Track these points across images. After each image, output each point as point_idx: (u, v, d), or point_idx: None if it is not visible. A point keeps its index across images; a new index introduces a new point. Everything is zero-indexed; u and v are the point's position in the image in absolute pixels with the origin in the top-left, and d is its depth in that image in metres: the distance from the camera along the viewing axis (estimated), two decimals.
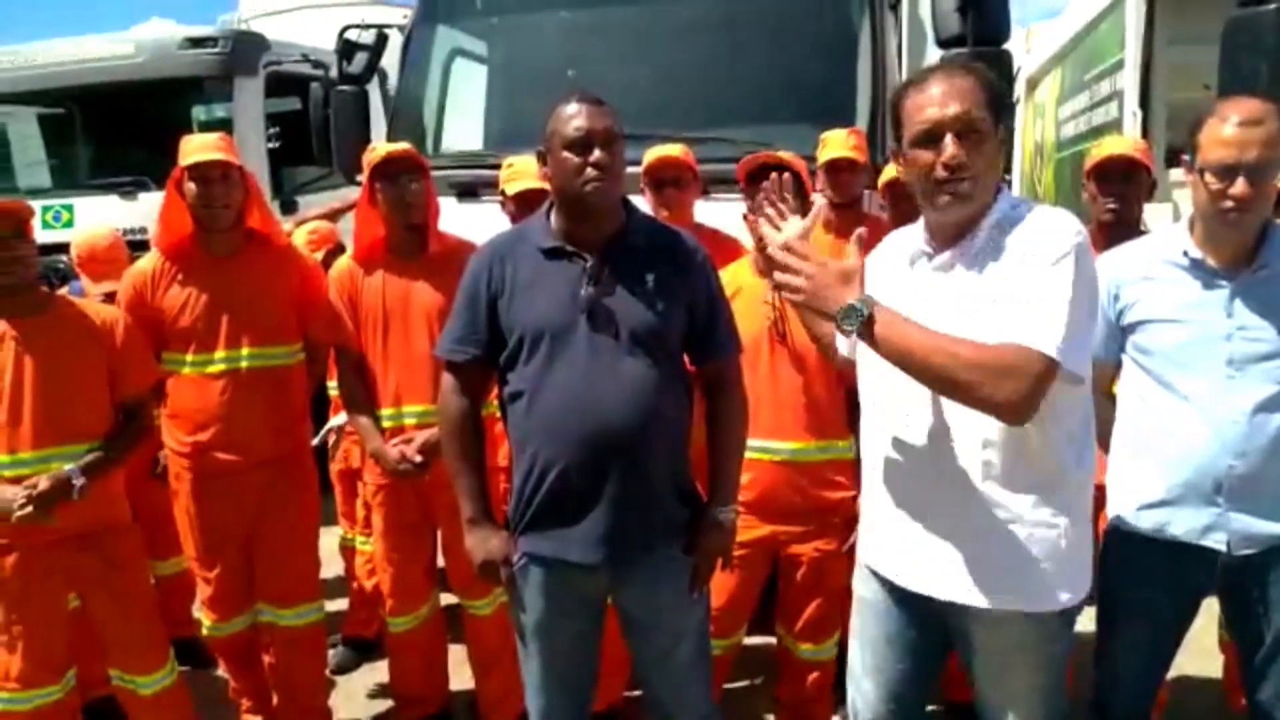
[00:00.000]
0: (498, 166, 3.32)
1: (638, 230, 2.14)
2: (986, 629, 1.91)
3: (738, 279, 2.50)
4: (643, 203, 2.92)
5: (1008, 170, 9.61)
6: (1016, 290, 1.71)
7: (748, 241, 2.90)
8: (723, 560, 2.29)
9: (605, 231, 2.10)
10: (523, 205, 3.00)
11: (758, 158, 2.76)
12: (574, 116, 2.02)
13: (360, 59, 4.30)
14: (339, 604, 3.86)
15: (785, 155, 2.76)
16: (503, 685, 3.10)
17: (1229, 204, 2.03)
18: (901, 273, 1.91)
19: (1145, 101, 5.33)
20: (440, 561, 3.14)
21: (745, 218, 2.78)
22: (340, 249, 3.58)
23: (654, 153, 3.13)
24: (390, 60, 4.64)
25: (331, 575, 3.80)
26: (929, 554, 1.89)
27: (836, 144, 3.16)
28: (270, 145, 6.07)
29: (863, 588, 2.09)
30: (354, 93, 4.29)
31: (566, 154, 2.02)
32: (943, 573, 1.89)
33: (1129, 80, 5.44)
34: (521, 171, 3.05)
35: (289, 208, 5.99)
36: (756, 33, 3.88)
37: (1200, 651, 2.42)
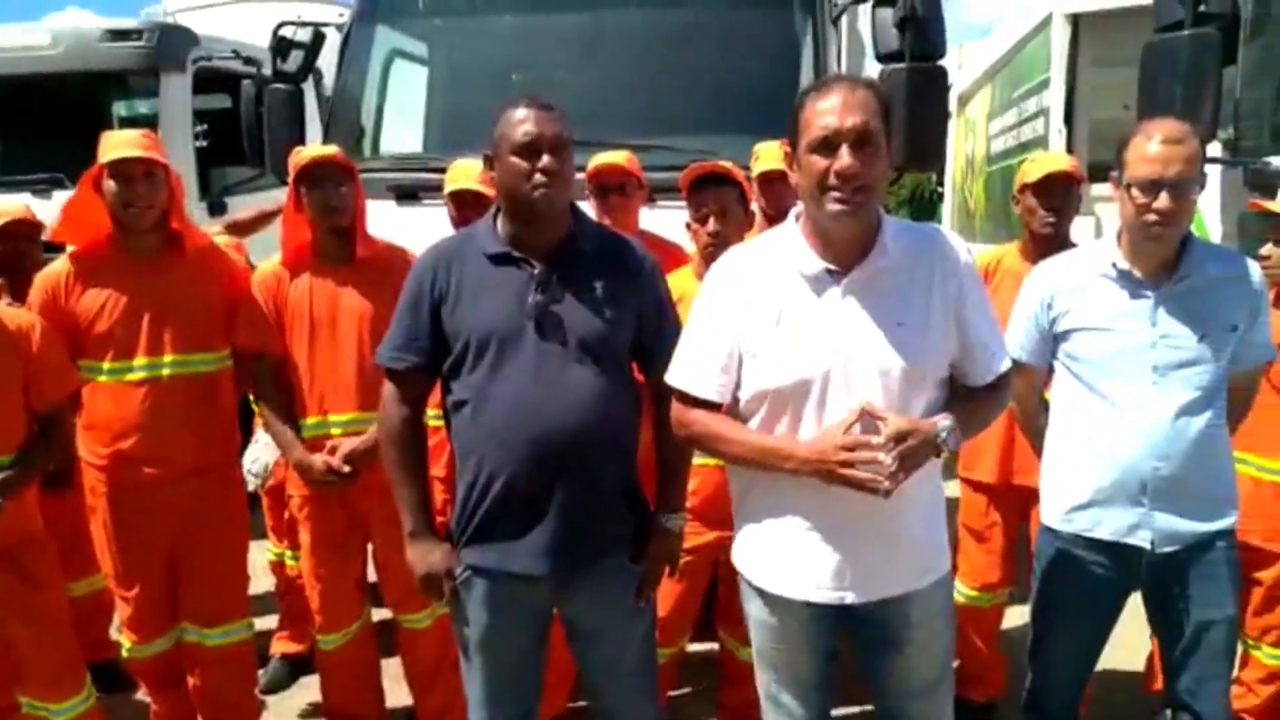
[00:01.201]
0: (439, 170, 3.27)
1: (586, 237, 2.13)
2: (919, 608, 1.99)
3: (681, 286, 2.51)
4: (587, 209, 2.92)
5: (940, 183, 9.87)
6: (964, 313, 1.89)
7: (691, 249, 2.92)
8: (670, 568, 2.28)
9: (553, 238, 2.08)
10: (462, 206, 2.97)
11: (700, 167, 2.78)
12: (523, 121, 2.00)
13: (296, 57, 4.20)
14: (270, 620, 3.75)
15: (727, 165, 2.78)
16: (442, 701, 3.05)
17: (1153, 217, 2.12)
18: (803, 295, 1.88)
19: (1070, 119, 5.54)
20: (372, 576, 3.07)
21: (688, 226, 2.81)
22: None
23: (599, 159, 3.13)
24: (327, 59, 4.54)
25: (262, 590, 3.69)
26: (860, 562, 1.91)
27: (770, 156, 3.20)
28: (198, 144, 5.89)
29: (762, 611, 2.06)
30: (288, 91, 4.18)
31: (515, 159, 2.00)
32: (878, 573, 1.93)
33: (1054, 99, 5.64)
34: (461, 173, 3.02)
35: (217, 209, 5.82)
36: (701, 43, 3.91)
37: (1119, 645, 2.50)
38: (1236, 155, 3.77)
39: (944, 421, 1.82)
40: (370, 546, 2.99)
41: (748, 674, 2.93)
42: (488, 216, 2.16)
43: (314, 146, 3.13)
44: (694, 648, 3.22)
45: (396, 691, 3.23)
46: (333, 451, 2.78)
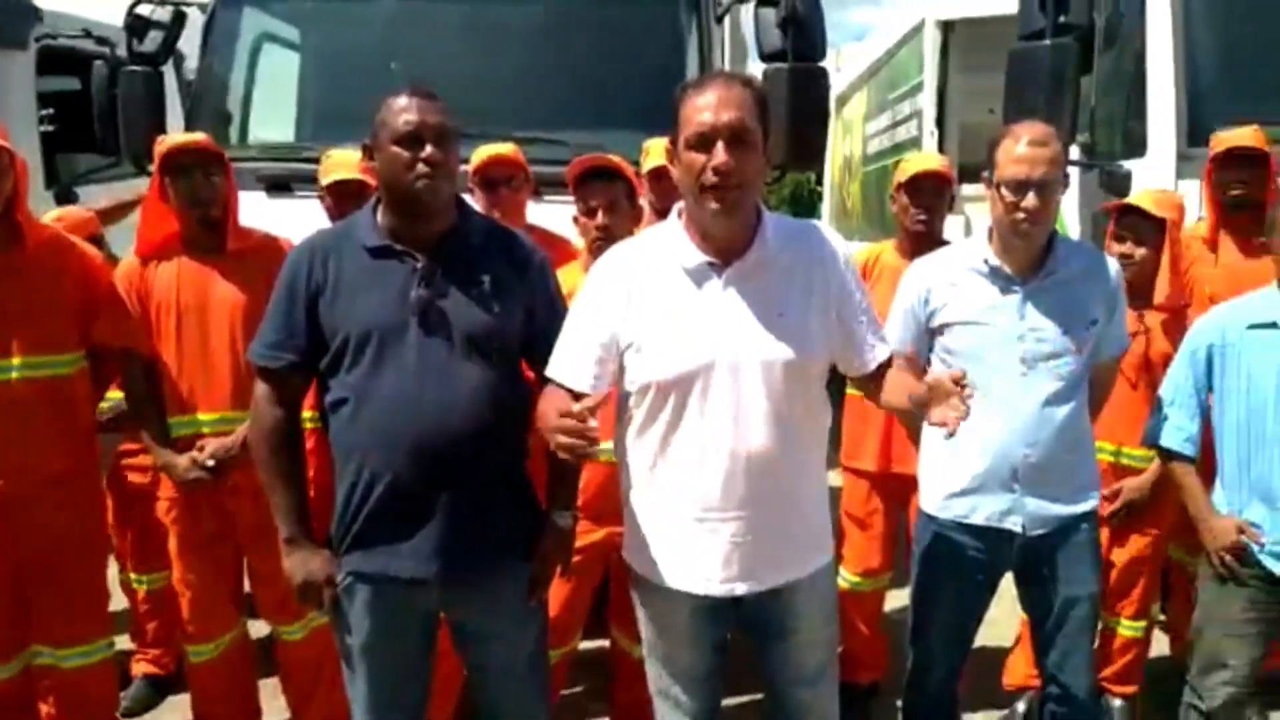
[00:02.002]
0: (313, 160, 3.15)
1: (472, 230, 2.08)
2: (804, 596, 2.03)
3: (571, 281, 2.48)
4: (471, 203, 2.85)
5: (819, 182, 10.15)
6: (843, 304, 1.94)
7: (580, 243, 2.89)
8: (562, 566, 2.26)
9: (437, 230, 2.02)
10: (340, 198, 2.86)
11: (588, 160, 2.76)
12: (405, 110, 1.94)
13: (154, 37, 3.94)
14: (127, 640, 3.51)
15: (615, 159, 2.77)
16: (322, 714, 2.94)
17: (1022, 215, 2.22)
18: (684, 289, 1.88)
19: (941, 122, 5.77)
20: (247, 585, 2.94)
21: (576, 220, 2.78)
22: (97, 240, 3.21)
23: (485, 151, 3.07)
24: (190, 41, 4.29)
25: (123, 606, 3.46)
26: (747, 553, 1.93)
27: (660, 152, 3.20)
28: (43, 129, 5.48)
29: (651, 605, 2.07)
30: (146, 74, 3.92)
31: (396, 149, 1.94)
32: (765, 564, 1.95)
33: (927, 102, 5.88)
34: (340, 162, 2.92)
35: (66, 198, 5.42)
36: (587, 37, 3.87)
37: (992, 623, 2.63)
38: (1093, 159, 4.00)
39: None
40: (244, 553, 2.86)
41: (640, 671, 2.92)
42: (366, 208, 2.09)
43: (179, 134, 2.95)
44: (586, 645, 3.19)
45: (273, 707, 3.10)
46: (200, 451, 2.66)
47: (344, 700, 2.22)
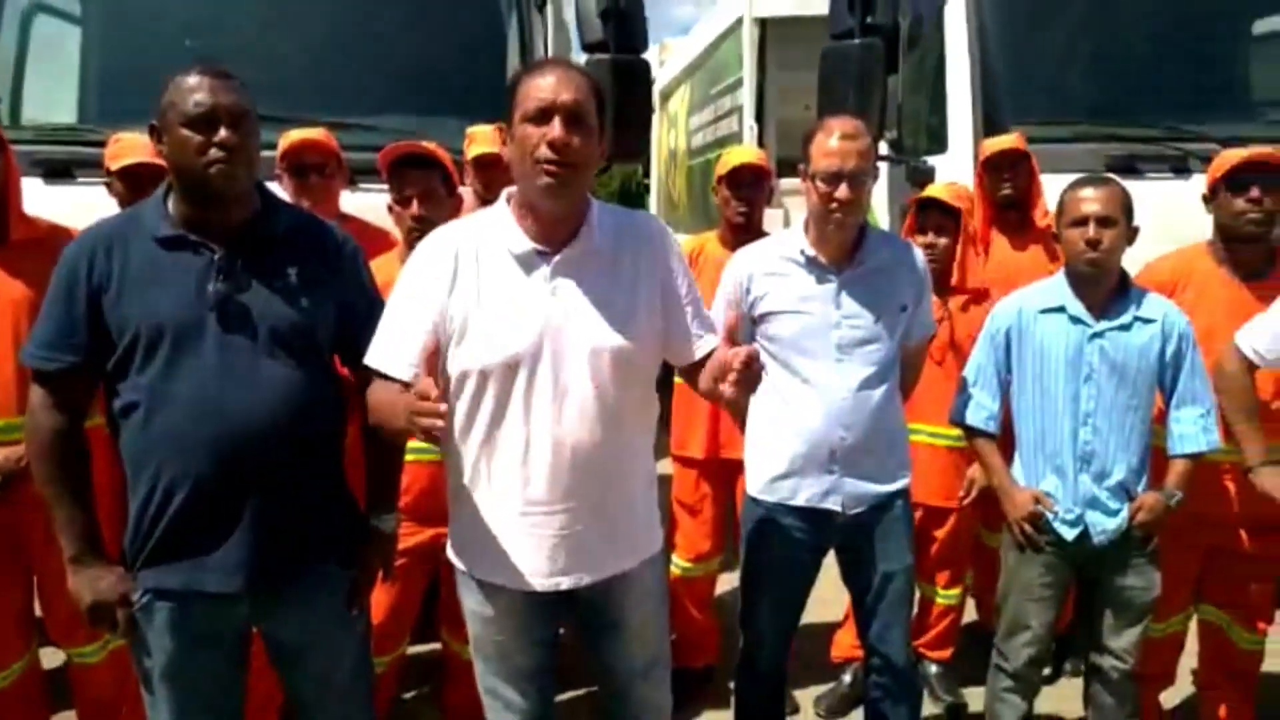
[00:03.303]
0: (97, 143, 2.90)
1: (276, 219, 1.95)
2: (634, 588, 2.03)
3: (387, 272, 2.37)
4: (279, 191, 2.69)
5: (646, 175, 10.26)
6: (670, 294, 1.94)
7: (398, 234, 2.78)
8: (384, 571, 2.16)
9: (236, 219, 1.88)
10: (132, 184, 2.64)
11: (402, 146, 2.65)
12: (195, 90, 1.79)
13: None
14: None
15: (430, 146, 2.68)
16: None
17: (835, 205, 2.30)
18: (511, 275, 1.84)
19: (760, 117, 5.94)
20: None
21: (390, 209, 2.67)
22: None
23: (294, 135, 2.89)
24: None
25: None
26: (574, 547, 1.91)
27: (484, 139, 3.13)
28: None
29: (477, 602, 2.02)
30: None
31: (186, 131, 1.79)
32: (593, 558, 1.94)
33: (746, 98, 6.03)
34: (131, 146, 2.69)
35: None
36: (403, 19, 3.73)
37: (817, 601, 2.73)
38: (899, 154, 4.22)
39: None
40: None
41: (470, 673, 2.88)
42: (155, 195, 1.92)
43: None
44: (416, 650, 3.09)
45: None
46: None
47: None
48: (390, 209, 2.66)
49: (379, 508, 2.12)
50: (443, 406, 1.56)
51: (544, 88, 1.75)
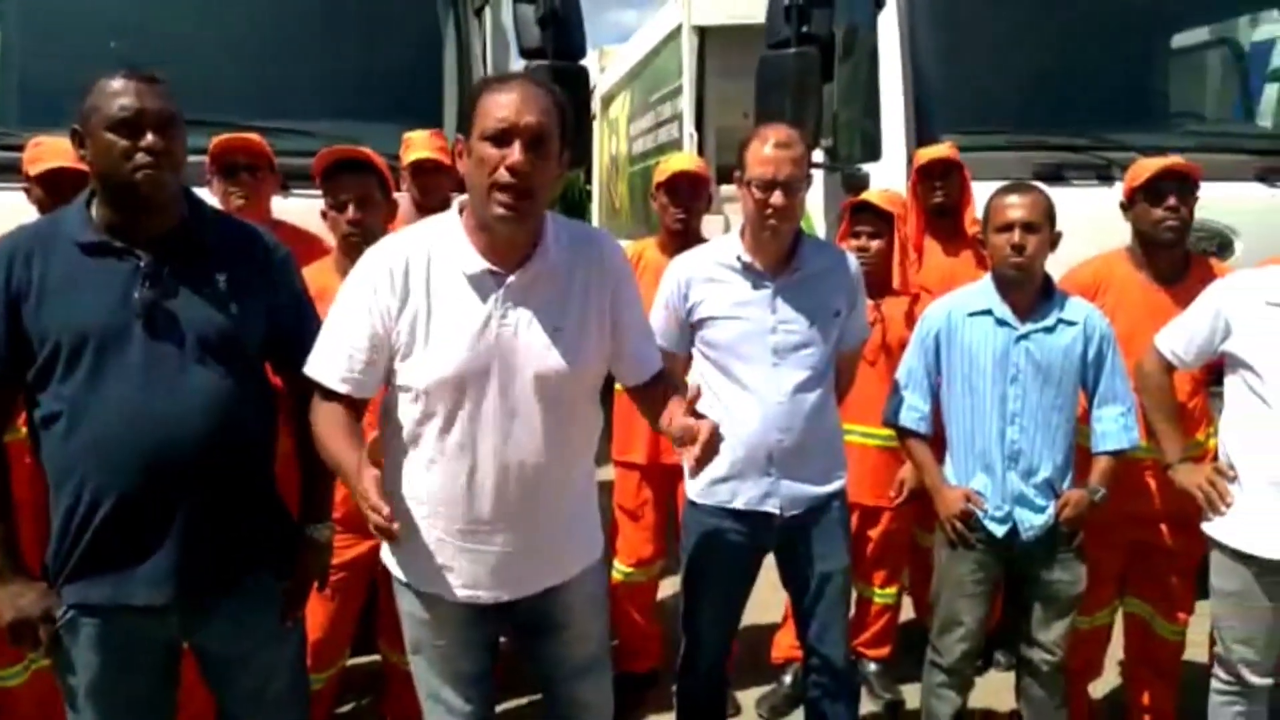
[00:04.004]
0: (15, 148, 2.82)
1: (204, 224, 1.92)
2: (575, 594, 2.03)
3: (321, 280, 2.35)
4: (209, 197, 2.64)
5: (588, 181, 10.26)
6: (619, 318, 1.94)
7: (331, 240, 2.75)
8: (319, 583, 2.14)
9: (163, 225, 1.85)
10: (52, 190, 2.57)
11: (336, 151, 2.62)
12: (120, 93, 1.76)
13: None
14: None
15: (365, 150, 2.65)
16: None
17: (770, 212, 2.34)
18: (462, 294, 1.82)
19: (700, 124, 5.99)
20: None
21: (324, 215, 2.63)
22: None
23: (225, 138, 2.84)
24: None
25: None
26: (514, 559, 1.91)
27: (421, 145, 3.11)
28: None
29: (416, 608, 2.01)
30: None
31: (111, 135, 1.75)
32: (533, 569, 1.95)
33: (686, 105, 6.07)
34: (51, 150, 2.61)
35: None
36: (338, 23, 3.68)
37: (756, 604, 2.76)
38: (835, 162, 4.29)
39: None
40: None
41: (410, 684, 2.85)
42: (78, 201, 1.88)
43: None
44: (355, 661, 3.05)
45: None
46: None
47: None
48: (324, 214, 2.63)
49: (312, 517, 2.09)
50: (395, 525, 1.62)
51: (506, 106, 1.72)
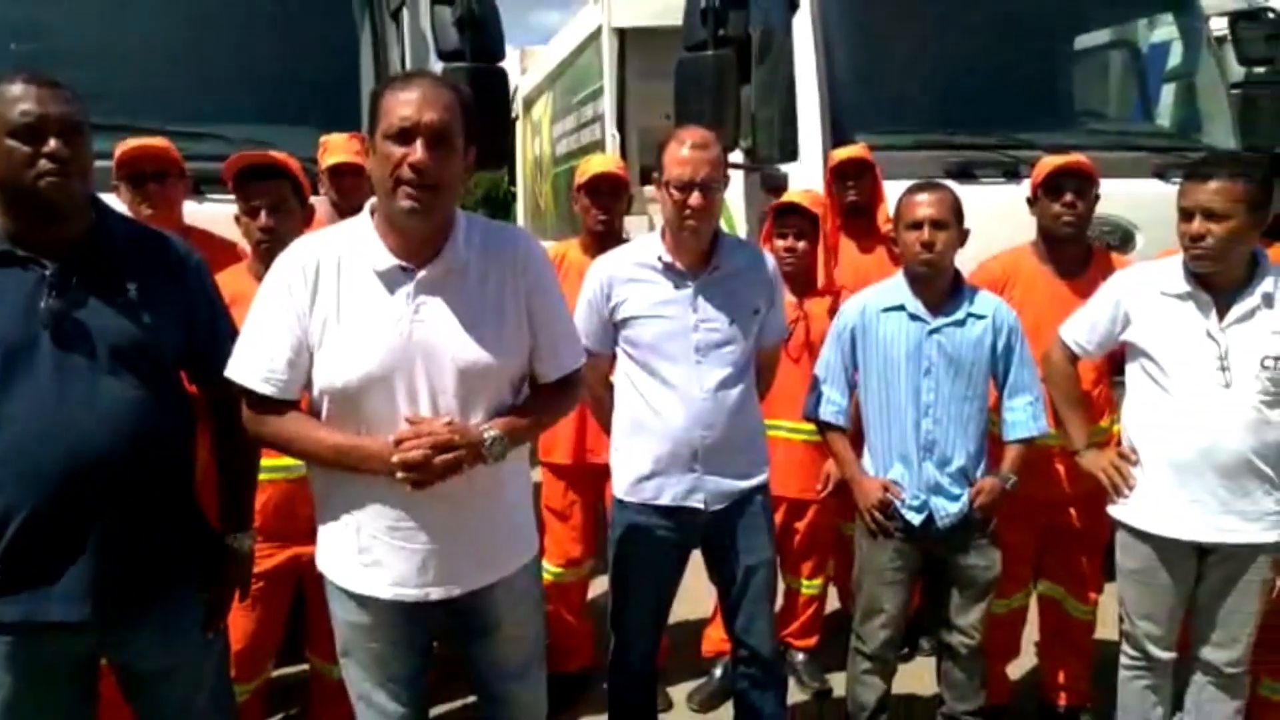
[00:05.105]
0: None
1: (113, 232, 1.88)
2: (509, 594, 2.04)
3: (236, 286, 2.30)
4: (117, 202, 2.56)
5: (513, 183, 10.20)
6: (536, 312, 1.94)
7: (246, 245, 2.69)
8: (240, 592, 2.10)
9: (70, 234, 1.81)
10: None
11: (246, 156, 2.58)
12: (20, 99, 1.71)
13: None
14: None
15: (278, 155, 2.61)
16: None
17: (688, 213, 2.38)
18: (374, 292, 1.83)
19: (622, 125, 6.02)
20: None
21: (237, 220, 2.59)
22: None
23: (132, 143, 2.77)
24: None
25: None
26: (447, 557, 1.91)
27: (338, 148, 3.07)
28: None
29: (348, 611, 2.00)
30: None
31: (11, 142, 1.71)
32: (467, 566, 1.95)
33: (607, 106, 6.09)
34: None
35: None
36: (253, 26, 3.60)
37: (685, 598, 2.80)
38: (754, 162, 4.36)
39: (490, 431, 1.84)
40: None
41: (340, 690, 2.80)
42: None
43: None
44: (281, 672, 3.00)
45: None
46: None
47: None
48: (238, 220, 2.58)
49: (233, 526, 2.06)
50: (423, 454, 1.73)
51: (407, 105, 1.73)
